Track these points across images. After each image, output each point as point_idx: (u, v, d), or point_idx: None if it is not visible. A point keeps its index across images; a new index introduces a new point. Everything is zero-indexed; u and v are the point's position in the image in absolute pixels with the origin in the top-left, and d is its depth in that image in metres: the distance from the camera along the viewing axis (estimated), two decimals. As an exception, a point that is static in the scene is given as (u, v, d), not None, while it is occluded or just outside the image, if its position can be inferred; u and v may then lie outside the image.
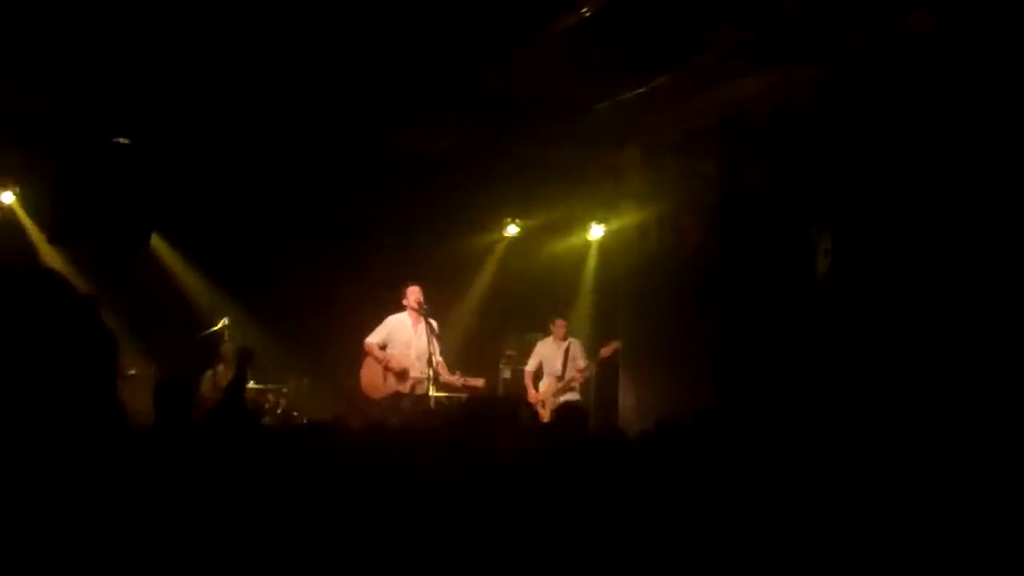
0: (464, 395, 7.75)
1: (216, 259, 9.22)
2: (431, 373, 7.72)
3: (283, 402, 8.52)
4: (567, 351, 8.71)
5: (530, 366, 8.85)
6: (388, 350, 7.95)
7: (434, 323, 7.88)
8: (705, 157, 8.34)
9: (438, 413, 7.46)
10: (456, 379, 7.85)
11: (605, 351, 8.62)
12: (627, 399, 9.16)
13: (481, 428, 3.59)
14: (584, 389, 8.83)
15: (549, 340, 8.80)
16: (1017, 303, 6.04)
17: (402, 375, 7.84)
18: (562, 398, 8.49)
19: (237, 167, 8.89)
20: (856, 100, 6.99)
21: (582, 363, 8.69)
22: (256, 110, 8.05)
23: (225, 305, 9.00)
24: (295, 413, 8.27)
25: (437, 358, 7.78)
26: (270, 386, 8.46)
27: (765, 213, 8.05)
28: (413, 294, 7.92)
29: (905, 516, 3.17)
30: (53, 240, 8.69)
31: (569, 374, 8.65)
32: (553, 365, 8.71)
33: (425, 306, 7.88)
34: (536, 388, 8.78)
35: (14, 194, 8.62)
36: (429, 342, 7.74)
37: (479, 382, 8.00)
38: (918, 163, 6.69)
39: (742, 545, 3.00)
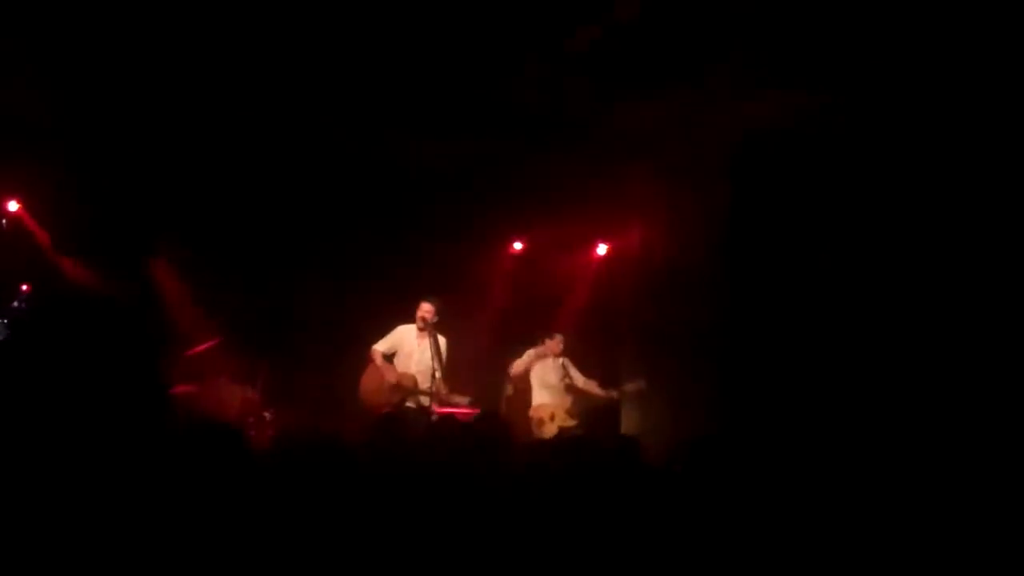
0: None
1: (222, 271, 9.20)
2: (432, 388, 7.68)
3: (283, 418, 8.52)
4: (562, 366, 8.61)
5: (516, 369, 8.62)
6: (394, 360, 7.92)
7: (443, 341, 7.84)
8: (713, 176, 8.34)
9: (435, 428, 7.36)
10: (443, 394, 7.73)
11: (631, 387, 8.48)
12: (629, 417, 9.12)
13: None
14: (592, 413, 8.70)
15: (543, 351, 8.63)
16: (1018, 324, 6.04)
17: (397, 386, 7.80)
18: (572, 422, 8.39)
19: (245, 176, 8.89)
20: (866, 123, 7.00)
21: (591, 381, 8.58)
22: (267, 122, 8.07)
23: (230, 320, 8.98)
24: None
25: (438, 374, 7.72)
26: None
27: (770, 233, 8.04)
28: (422, 310, 7.88)
29: (910, 536, 3.15)
30: (59, 248, 8.69)
31: (577, 389, 8.53)
32: (548, 377, 8.57)
33: (434, 321, 7.83)
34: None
35: (19, 202, 8.63)
36: (433, 358, 7.71)
37: (463, 399, 7.83)
38: (927, 185, 6.69)
39: (745, 566, 2.98)
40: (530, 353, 8.67)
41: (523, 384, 8.65)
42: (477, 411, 7.81)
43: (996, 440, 5.89)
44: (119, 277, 8.80)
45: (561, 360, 8.61)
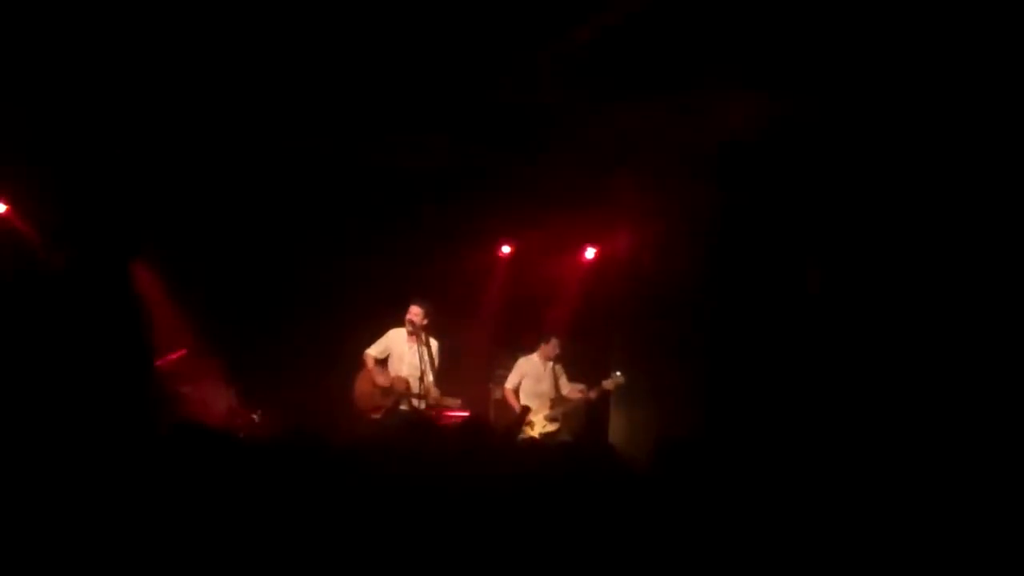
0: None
1: (211, 272, 9.18)
2: (420, 390, 7.70)
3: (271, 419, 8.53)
4: (554, 371, 8.63)
5: (511, 383, 8.67)
6: (387, 364, 7.95)
7: (435, 344, 7.86)
8: (699, 181, 8.36)
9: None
10: (433, 395, 7.73)
11: (608, 384, 8.47)
12: (618, 421, 9.13)
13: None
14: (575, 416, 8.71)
15: (534, 357, 8.67)
16: (1011, 329, 6.06)
17: (388, 390, 7.82)
18: (552, 427, 8.42)
19: (234, 180, 8.88)
20: (852, 127, 7.04)
21: (574, 386, 8.60)
22: (256, 126, 8.07)
23: (218, 320, 8.96)
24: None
25: (428, 378, 7.74)
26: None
27: (758, 238, 8.07)
28: (411, 313, 7.89)
29: (896, 544, 3.17)
30: (48, 247, 8.65)
31: (560, 397, 8.55)
32: (539, 385, 8.61)
33: (424, 324, 7.84)
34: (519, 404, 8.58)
35: (7, 202, 8.59)
36: (422, 361, 7.72)
37: (455, 402, 7.91)
38: (913, 189, 6.73)
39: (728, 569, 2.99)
40: (520, 364, 8.69)
41: (509, 400, 8.66)
42: (467, 413, 7.87)
43: (984, 446, 5.92)
44: (106, 278, 8.78)
45: (553, 365, 8.61)
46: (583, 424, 8.72)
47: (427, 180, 9.05)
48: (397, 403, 7.76)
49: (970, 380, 6.32)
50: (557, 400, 8.55)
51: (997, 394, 6.14)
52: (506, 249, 10.10)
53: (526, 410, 8.47)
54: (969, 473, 5.29)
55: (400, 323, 7.97)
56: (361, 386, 7.95)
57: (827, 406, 7.05)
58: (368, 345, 8.03)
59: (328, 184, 9.09)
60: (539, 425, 8.42)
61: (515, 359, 8.88)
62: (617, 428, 9.06)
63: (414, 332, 7.83)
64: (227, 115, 7.87)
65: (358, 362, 8.00)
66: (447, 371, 8.11)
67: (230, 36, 6.67)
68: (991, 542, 3.23)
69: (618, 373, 8.45)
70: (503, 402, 8.86)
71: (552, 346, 8.60)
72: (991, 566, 3.15)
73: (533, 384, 8.60)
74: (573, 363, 8.86)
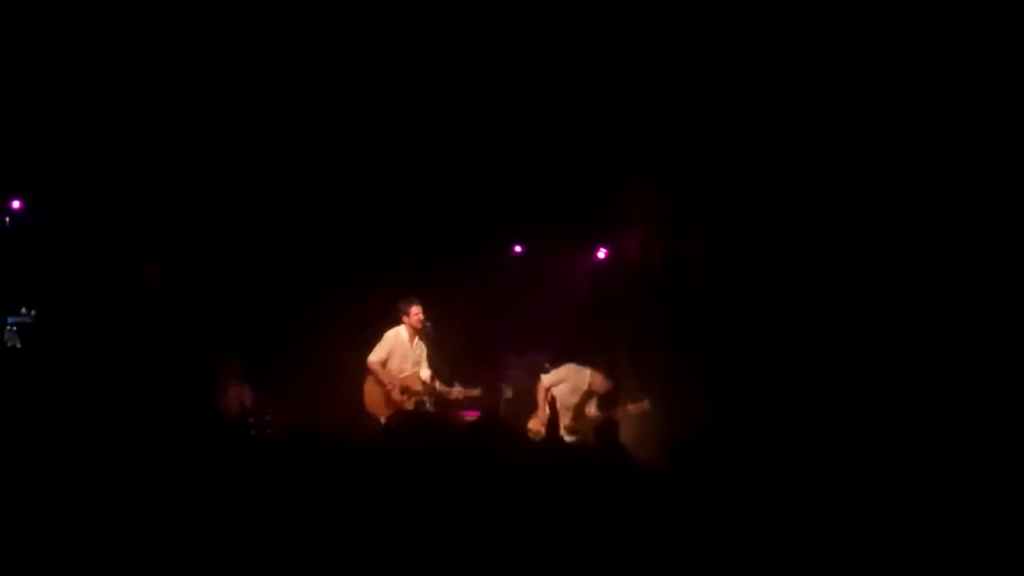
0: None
1: (218, 273, 9.23)
2: (432, 387, 7.78)
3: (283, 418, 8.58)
4: (589, 393, 8.58)
5: (548, 381, 8.32)
6: (388, 365, 7.98)
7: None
8: (708, 183, 8.39)
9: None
10: (455, 391, 7.86)
11: (633, 409, 8.28)
12: (628, 422, 9.14)
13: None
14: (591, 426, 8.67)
15: (585, 373, 8.36)
16: (1013, 328, 6.09)
17: (404, 392, 7.88)
18: (570, 439, 8.38)
19: (244, 178, 8.93)
20: (852, 127, 7.08)
21: (594, 415, 8.56)
22: (266, 124, 8.12)
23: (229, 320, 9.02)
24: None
25: (428, 371, 7.88)
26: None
27: (766, 239, 8.10)
28: (416, 314, 7.94)
29: (903, 543, 3.19)
30: (63, 247, 8.71)
31: (583, 415, 8.53)
32: (571, 397, 8.38)
33: (428, 323, 7.91)
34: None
35: (23, 200, 8.66)
36: (427, 358, 7.83)
37: (476, 392, 8.01)
38: (914, 188, 6.76)
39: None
40: (568, 371, 8.40)
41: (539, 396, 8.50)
42: (479, 413, 7.92)
43: (993, 443, 5.93)
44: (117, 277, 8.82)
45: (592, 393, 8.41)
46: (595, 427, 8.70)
47: (440, 179, 9.09)
48: (419, 402, 7.83)
49: (980, 372, 6.34)
50: (579, 414, 8.51)
51: (1009, 392, 6.15)
52: (517, 248, 10.14)
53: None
54: (977, 472, 5.30)
55: (392, 324, 8.04)
56: (372, 392, 7.98)
57: (837, 405, 7.06)
58: (364, 350, 8.03)
59: (341, 184, 9.13)
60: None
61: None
62: (627, 429, 9.06)
63: (421, 330, 7.89)
64: (242, 113, 7.93)
65: (363, 371, 8.02)
66: (459, 370, 8.16)
67: (247, 37, 6.73)
68: (1005, 544, 3.24)
69: (646, 401, 8.22)
70: (513, 401, 8.88)
71: (600, 380, 8.29)
72: (1005, 568, 3.16)
73: (567, 395, 8.39)
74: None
